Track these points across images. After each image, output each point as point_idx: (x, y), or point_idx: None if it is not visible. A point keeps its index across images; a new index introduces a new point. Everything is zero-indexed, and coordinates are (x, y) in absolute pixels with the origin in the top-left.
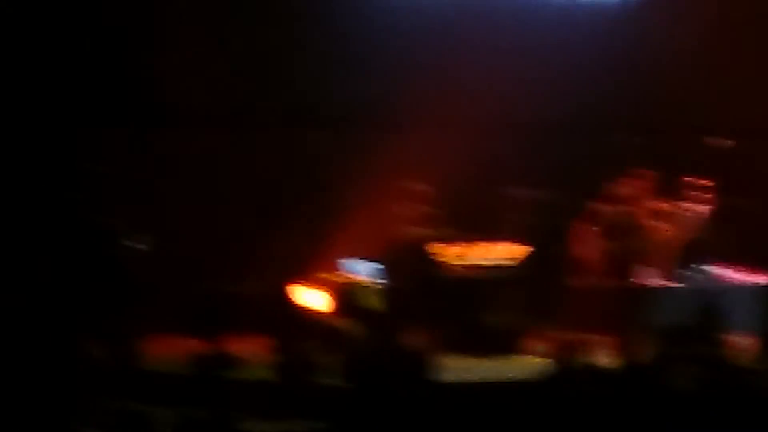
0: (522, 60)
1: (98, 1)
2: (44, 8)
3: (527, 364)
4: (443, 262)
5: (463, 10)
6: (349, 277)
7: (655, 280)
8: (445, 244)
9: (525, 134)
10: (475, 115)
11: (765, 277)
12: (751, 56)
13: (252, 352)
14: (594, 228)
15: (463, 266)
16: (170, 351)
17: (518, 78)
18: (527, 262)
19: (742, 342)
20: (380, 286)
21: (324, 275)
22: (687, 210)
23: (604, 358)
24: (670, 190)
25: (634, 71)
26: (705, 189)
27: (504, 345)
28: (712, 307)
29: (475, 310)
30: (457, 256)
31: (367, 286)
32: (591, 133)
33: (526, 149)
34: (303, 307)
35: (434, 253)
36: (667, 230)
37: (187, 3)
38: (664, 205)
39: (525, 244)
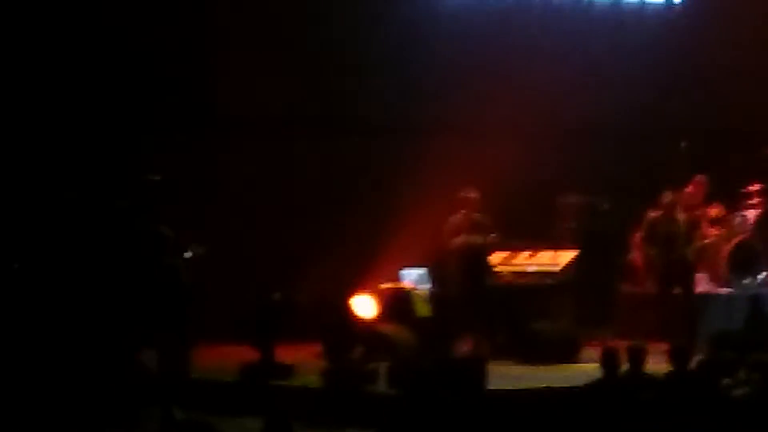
0: (576, 66)
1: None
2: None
3: (579, 371)
4: (495, 269)
5: (518, 16)
6: (400, 285)
7: (708, 286)
8: (496, 252)
9: (578, 140)
10: (526, 121)
11: None
12: None
13: (304, 359)
14: (647, 235)
15: (515, 273)
16: (222, 360)
17: (571, 84)
18: (579, 269)
19: None
20: (431, 294)
21: (375, 283)
22: (741, 216)
23: (657, 365)
24: (725, 196)
25: (688, 76)
26: (759, 194)
27: (558, 352)
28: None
29: (528, 318)
30: (509, 263)
31: (419, 294)
32: (646, 139)
33: (579, 155)
34: (355, 315)
35: (486, 261)
36: (721, 236)
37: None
38: (719, 211)
39: (577, 251)
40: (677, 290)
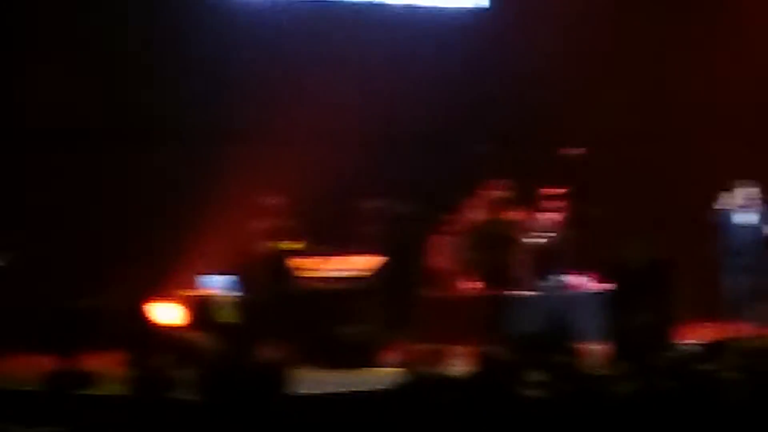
0: (376, 72)
1: None
2: None
3: (383, 375)
4: (299, 274)
5: (320, 21)
6: (204, 291)
7: (510, 288)
8: (300, 257)
9: (379, 145)
10: (329, 127)
11: (614, 285)
12: (602, 71)
13: (107, 367)
14: (449, 238)
15: (319, 278)
16: (23, 369)
17: (372, 90)
18: (382, 274)
19: (593, 349)
20: (236, 300)
21: (179, 289)
22: (542, 219)
23: (458, 367)
24: (526, 199)
25: (489, 82)
26: (559, 198)
27: (360, 357)
28: (565, 315)
29: (331, 323)
30: (313, 268)
31: (223, 300)
32: (446, 144)
33: (381, 160)
34: (158, 322)
35: (289, 266)
36: (522, 239)
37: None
38: (520, 215)
39: (380, 256)
40: (482, 293)
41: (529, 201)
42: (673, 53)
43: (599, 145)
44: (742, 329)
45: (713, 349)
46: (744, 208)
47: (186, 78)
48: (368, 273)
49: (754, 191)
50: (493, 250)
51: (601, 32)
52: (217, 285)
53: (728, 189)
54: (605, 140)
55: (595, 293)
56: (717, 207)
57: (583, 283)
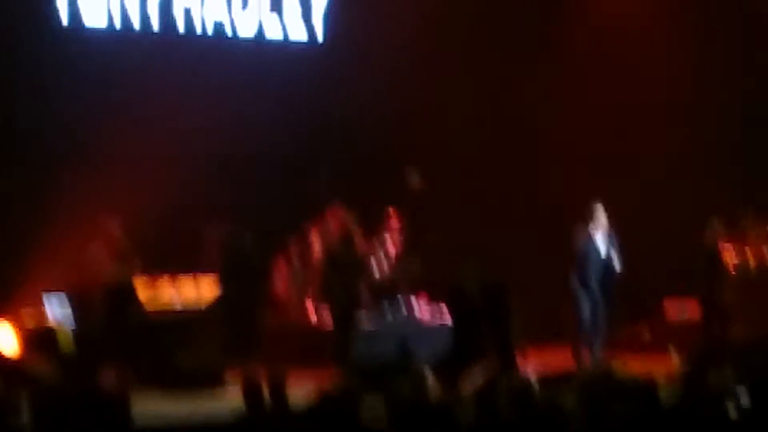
0: (222, 99)
1: None
2: None
3: (223, 401)
4: (139, 300)
5: (155, 48)
6: (41, 316)
7: (354, 314)
8: (140, 282)
9: (225, 171)
10: (174, 153)
11: (453, 310)
12: (442, 98)
13: None
14: (294, 264)
15: (160, 304)
16: None
17: (219, 117)
18: (224, 300)
19: (434, 377)
20: (73, 326)
21: (13, 314)
22: (384, 245)
23: (301, 394)
24: (369, 225)
25: (331, 110)
26: (401, 224)
27: (202, 383)
28: (408, 342)
29: (172, 348)
30: (154, 293)
31: (61, 327)
32: (291, 170)
33: (225, 186)
34: None
35: (130, 291)
36: (364, 267)
37: None
38: (364, 240)
39: (223, 281)
40: (323, 320)
41: (372, 227)
42: (514, 79)
43: (442, 171)
44: (586, 356)
45: (555, 380)
46: (598, 235)
47: (24, 102)
48: (210, 298)
49: (603, 218)
50: (338, 275)
51: (441, 60)
52: (54, 310)
53: (585, 215)
54: (447, 166)
55: (437, 319)
56: (576, 233)
57: (426, 308)
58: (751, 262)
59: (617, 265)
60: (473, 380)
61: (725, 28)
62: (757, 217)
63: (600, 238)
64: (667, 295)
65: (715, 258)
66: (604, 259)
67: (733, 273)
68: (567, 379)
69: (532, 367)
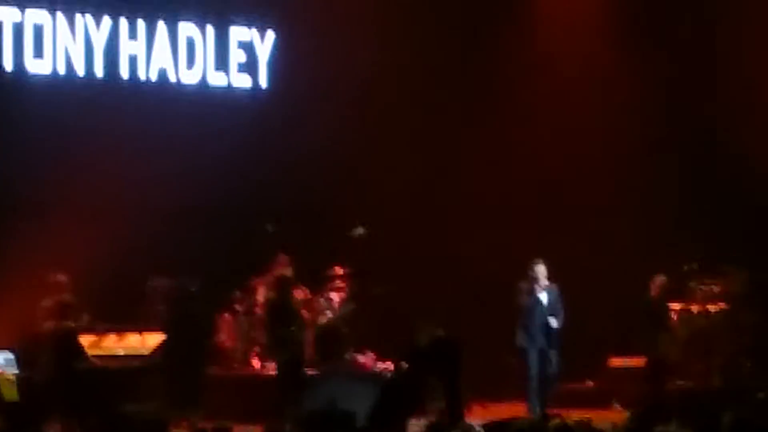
0: (163, 146)
1: None
2: None
3: None
4: (85, 353)
5: (99, 95)
6: None
7: (299, 367)
8: (86, 335)
9: (168, 223)
10: (116, 203)
11: (397, 364)
12: (385, 152)
13: None
14: (238, 316)
15: (105, 357)
16: None
17: (161, 167)
18: (168, 351)
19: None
20: (20, 378)
21: None
22: (327, 298)
23: None
24: (312, 278)
25: (275, 160)
26: (343, 277)
27: None
28: (352, 395)
29: (117, 400)
30: (99, 346)
31: (6, 378)
32: (234, 222)
33: (169, 238)
34: None
35: (76, 344)
36: (309, 318)
37: None
38: (307, 294)
39: (165, 334)
40: (267, 371)
41: (314, 280)
42: (458, 131)
43: (384, 224)
44: (532, 409)
45: (498, 426)
46: (542, 289)
47: None
48: (155, 350)
49: (544, 274)
50: (281, 327)
51: (382, 113)
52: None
53: (528, 272)
54: (390, 220)
55: (382, 372)
56: (521, 288)
57: (370, 362)
58: (696, 318)
59: (558, 320)
60: (419, 429)
61: (668, 82)
62: (701, 274)
63: (543, 294)
64: (612, 350)
65: (660, 314)
66: (547, 315)
67: (677, 328)
68: (509, 426)
69: (479, 418)
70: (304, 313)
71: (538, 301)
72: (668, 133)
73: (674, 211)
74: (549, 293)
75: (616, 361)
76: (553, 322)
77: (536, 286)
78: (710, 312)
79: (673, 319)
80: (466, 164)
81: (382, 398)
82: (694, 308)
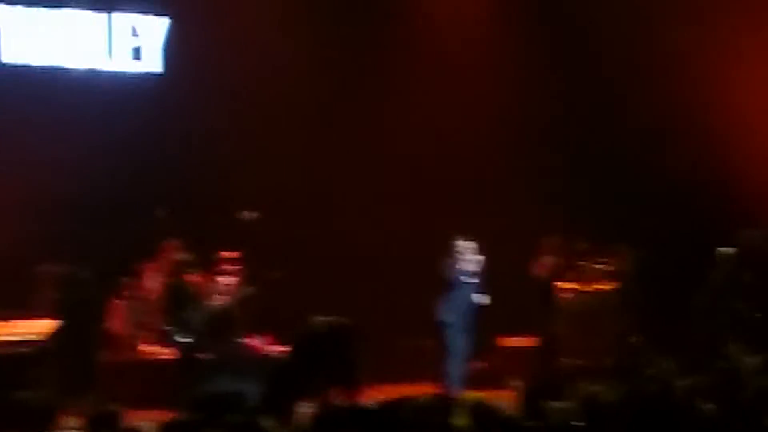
0: (52, 132)
1: None
2: None
3: None
4: None
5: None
6: None
7: (193, 351)
8: None
9: (57, 210)
10: (3, 192)
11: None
12: (277, 133)
13: None
14: (129, 302)
15: None
16: None
17: (49, 153)
18: (60, 338)
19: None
20: None
21: None
22: (220, 282)
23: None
24: (204, 263)
25: (165, 146)
26: (236, 261)
27: (38, 422)
28: (246, 378)
29: (7, 388)
30: None
31: None
32: (125, 208)
33: (59, 224)
34: None
35: None
36: (203, 302)
37: None
38: (199, 278)
39: (58, 320)
40: (160, 356)
41: (207, 264)
42: (354, 110)
43: (274, 207)
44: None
45: (388, 408)
46: (464, 268)
47: None
48: (45, 337)
49: (471, 248)
50: (175, 311)
51: (273, 99)
52: None
53: (451, 250)
54: (282, 202)
55: (275, 351)
56: (446, 265)
57: (264, 346)
58: (587, 297)
59: (483, 298)
60: (309, 411)
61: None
62: (592, 253)
63: (467, 271)
64: (503, 330)
65: (549, 293)
66: (469, 293)
67: (568, 308)
68: (406, 404)
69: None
70: (199, 297)
71: (461, 279)
72: (557, 111)
73: (564, 190)
74: (476, 269)
75: (507, 341)
76: (483, 299)
77: (462, 262)
78: (601, 291)
79: (563, 298)
80: (352, 143)
81: (272, 381)
82: (586, 287)
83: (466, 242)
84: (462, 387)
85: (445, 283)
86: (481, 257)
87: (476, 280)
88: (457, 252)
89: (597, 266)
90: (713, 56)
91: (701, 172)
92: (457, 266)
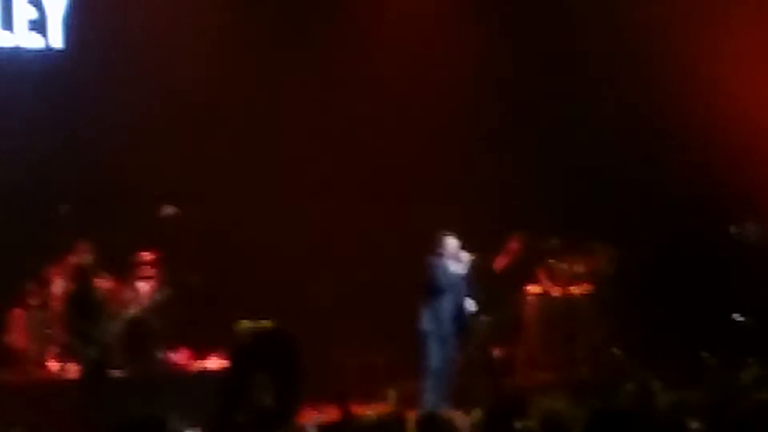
0: None
1: None
2: None
3: None
4: None
5: None
6: None
7: (104, 368)
8: None
9: None
10: None
11: (218, 362)
12: (199, 119)
13: None
14: (31, 312)
15: None
16: None
17: None
18: None
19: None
20: None
21: None
22: (135, 287)
23: None
24: (116, 265)
25: (68, 131)
26: (152, 263)
27: None
28: (167, 397)
29: None
30: None
31: None
32: (23, 204)
33: None
34: None
35: None
36: (115, 310)
37: None
38: (110, 283)
39: None
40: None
41: (119, 267)
42: (289, 96)
43: (199, 203)
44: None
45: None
46: (452, 269)
47: None
48: None
49: (457, 247)
50: (83, 321)
51: (194, 80)
52: None
53: (435, 247)
54: (205, 198)
55: (202, 372)
56: (428, 263)
57: (188, 360)
58: (556, 302)
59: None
60: None
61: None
62: (562, 251)
63: (454, 273)
64: None
65: (504, 293)
66: (457, 297)
67: (533, 315)
68: (352, 424)
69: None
70: (109, 305)
71: (449, 281)
72: (527, 104)
73: (533, 184)
74: (464, 271)
75: None
76: (470, 305)
77: (448, 263)
78: (573, 295)
79: (530, 303)
80: (284, 137)
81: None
82: (555, 291)
83: (452, 239)
84: (445, 406)
85: (427, 287)
86: (469, 256)
87: (464, 283)
88: (442, 250)
89: (569, 266)
90: (685, 40)
91: (686, 164)
92: (441, 267)
